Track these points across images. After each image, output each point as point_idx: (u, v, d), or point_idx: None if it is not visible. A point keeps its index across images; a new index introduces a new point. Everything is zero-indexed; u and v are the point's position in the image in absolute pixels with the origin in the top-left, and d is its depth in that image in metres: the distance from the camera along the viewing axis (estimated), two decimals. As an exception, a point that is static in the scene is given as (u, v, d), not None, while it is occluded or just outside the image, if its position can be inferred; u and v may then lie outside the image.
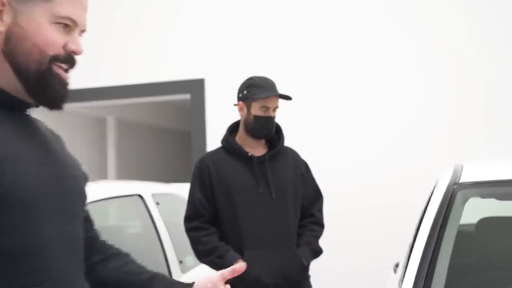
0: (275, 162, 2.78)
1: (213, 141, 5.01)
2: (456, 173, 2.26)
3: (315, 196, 2.90)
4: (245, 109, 2.77)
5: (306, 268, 2.74)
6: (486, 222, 2.55)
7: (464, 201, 2.15)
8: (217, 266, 2.65)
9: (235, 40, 5.64)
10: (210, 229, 2.72)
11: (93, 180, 5.01)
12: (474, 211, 2.44)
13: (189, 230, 2.74)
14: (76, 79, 6.11)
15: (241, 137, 2.82)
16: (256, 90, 2.73)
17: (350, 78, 5.25)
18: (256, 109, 2.74)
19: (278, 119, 4.36)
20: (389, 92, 5.12)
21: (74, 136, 7.14)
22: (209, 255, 2.67)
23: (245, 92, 2.77)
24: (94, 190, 3.14)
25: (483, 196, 2.27)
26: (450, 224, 1.98)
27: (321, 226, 2.88)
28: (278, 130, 2.89)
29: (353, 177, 5.05)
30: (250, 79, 2.81)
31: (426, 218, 2.02)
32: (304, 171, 2.88)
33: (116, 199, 3.22)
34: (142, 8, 6.00)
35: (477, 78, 4.90)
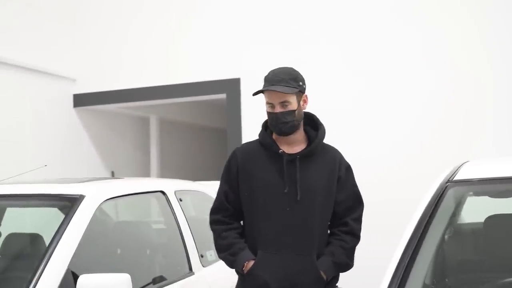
0: (309, 162, 2.54)
1: (248, 138, 5.19)
2: (453, 171, 2.28)
3: (353, 203, 2.61)
4: None
5: (324, 281, 2.49)
6: (492, 220, 2.54)
7: (458, 198, 2.17)
8: (229, 263, 2.58)
9: (269, 39, 5.75)
10: (233, 224, 2.59)
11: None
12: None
13: (211, 222, 2.63)
14: (120, 80, 6.45)
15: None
16: (263, 85, 2.53)
17: (360, 76, 5.39)
18: (266, 105, 2.54)
19: None
20: (398, 90, 5.24)
21: (119, 136, 7.44)
22: (224, 251, 2.56)
23: None
24: (120, 187, 3.33)
25: (476, 194, 2.27)
26: (438, 221, 2.01)
27: (355, 236, 2.57)
28: (318, 127, 2.64)
29: (360, 172, 5.14)
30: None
31: (415, 214, 2.06)
32: (343, 174, 2.59)
33: (139, 195, 3.39)
34: (186, 10, 6.20)
35: (486, 76, 4.91)
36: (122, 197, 3.13)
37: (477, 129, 4.91)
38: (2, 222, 3.32)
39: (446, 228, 2.07)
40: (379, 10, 5.33)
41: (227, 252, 2.55)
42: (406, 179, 4.97)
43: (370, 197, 5.07)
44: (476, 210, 2.37)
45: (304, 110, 2.61)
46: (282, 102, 2.49)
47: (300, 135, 2.59)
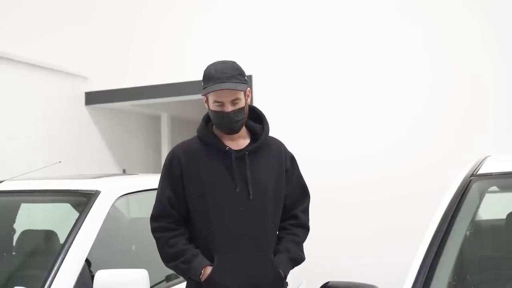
0: (257, 157, 2.41)
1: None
2: (476, 165, 2.24)
3: (301, 195, 2.54)
4: (207, 103, 2.42)
5: (283, 279, 2.42)
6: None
7: (482, 192, 2.13)
8: (182, 272, 2.37)
9: (280, 35, 5.72)
10: (179, 229, 2.38)
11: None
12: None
13: (155, 230, 2.40)
14: (131, 78, 6.44)
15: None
16: (206, 83, 2.35)
17: (362, 73, 5.36)
18: (211, 104, 2.37)
19: (291, 108, 4.37)
20: (400, 88, 5.29)
21: (130, 133, 7.43)
22: (174, 259, 2.34)
23: (202, 84, 2.40)
24: (135, 182, 3.31)
25: (501, 188, 2.23)
26: (463, 216, 1.97)
27: (305, 229, 2.52)
28: (262, 120, 2.50)
29: (361, 170, 5.22)
30: (207, 68, 2.41)
31: (439, 209, 2.02)
32: (289, 166, 2.51)
33: (154, 191, 3.36)
34: (193, 11, 6.19)
35: (487, 73, 4.90)
36: (137, 193, 3.13)
37: (477, 126, 4.94)
38: (16, 219, 3.31)
39: (471, 223, 2.03)
40: (383, 9, 5.37)
41: (179, 261, 2.33)
42: (411, 175, 5.03)
43: (379, 194, 5.13)
44: (501, 204, 2.33)
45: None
46: (233, 100, 2.34)
47: (243, 129, 2.46)
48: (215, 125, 2.42)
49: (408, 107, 5.18)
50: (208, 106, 2.40)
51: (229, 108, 2.34)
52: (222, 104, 2.34)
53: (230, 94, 2.33)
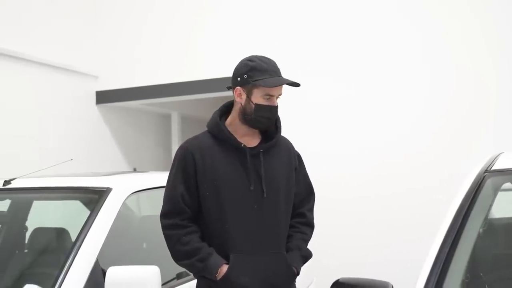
0: (269, 155, 2.40)
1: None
2: (490, 161, 2.22)
3: (307, 194, 2.55)
4: (244, 96, 2.35)
5: (296, 276, 2.43)
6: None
7: (496, 188, 2.11)
8: (197, 270, 2.33)
9: (290, 35, 5.72)
10: (191, 227, 2.34)
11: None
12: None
13: (166, 227, 2.35)
14: (141, 77, 6.47)
15: (233, 124, 2.42)
16: (260, 75, 2.32)
17: (367, 73, 5.38)
18: (258, 97, 2.33)
19: (292, 105, 4.38)
20: (402, 86, 5.27)
21: (141, 132, 7.44)
22: (189, 258, 2.30)
23: (245, 76, 2.33)
24: (146, 180, 3.31)
25: (516, 183, 2.20)
26: (476, 212, 1.94)
27: (311, 227, 2.54)
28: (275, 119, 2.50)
29: (368, 168, 5.25)
30: (251, 60, 2.37)
31: (452, 205, 2.00)
32: (297, 165, 2.52)
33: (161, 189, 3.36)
34: (204, 11, 6.18)
35: (488, 72, 4.90)
36: (148, 190, 3.12)
37: (479, 126, 4.98)
38: (28, 216, 3.32)
39: (485, 220, 2.00)
40: (386, 10, 5.41)
41: (194, 258, 2.29)
42: (417, 172, 5.04)
43: (385, 191, 5.13)
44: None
45: None
46: (279, 95, 2.39)
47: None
48: (253, 120, 2.36)
49: (411, 106, 5.22)
50: (248, 99, 2.35)
51: (275, 102, 2.38)
52: (272, 98, 2.36)
53: (280, 89, 2.38)
